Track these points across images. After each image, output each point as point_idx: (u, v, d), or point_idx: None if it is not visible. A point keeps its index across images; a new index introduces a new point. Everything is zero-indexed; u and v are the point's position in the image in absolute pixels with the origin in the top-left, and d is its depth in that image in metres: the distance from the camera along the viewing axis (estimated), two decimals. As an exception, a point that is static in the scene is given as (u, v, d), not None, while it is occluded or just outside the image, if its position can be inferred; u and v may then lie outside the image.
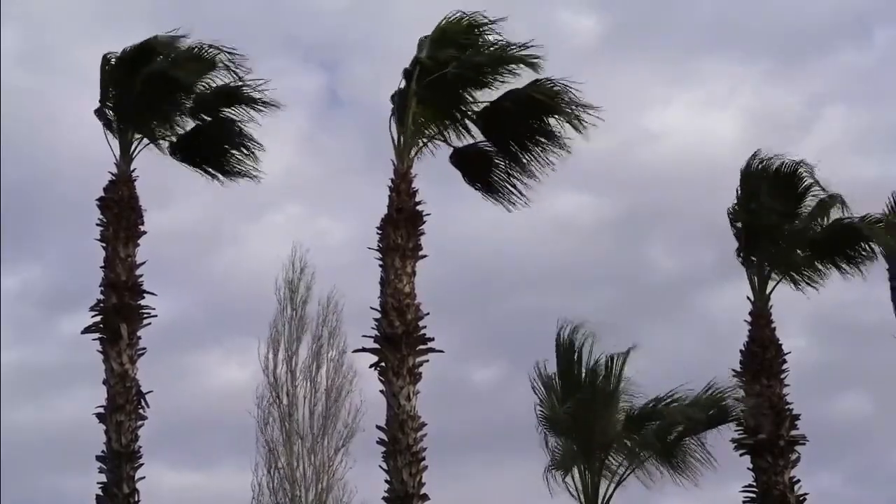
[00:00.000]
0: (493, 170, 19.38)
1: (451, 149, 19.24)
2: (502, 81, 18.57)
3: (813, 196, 19.81)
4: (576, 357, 19.77)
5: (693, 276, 38.03)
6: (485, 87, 18.71)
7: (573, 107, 18.27)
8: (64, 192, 36.32)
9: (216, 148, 19.96)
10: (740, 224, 19.73)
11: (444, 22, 18.47)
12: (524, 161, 19.02)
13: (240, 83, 19.22)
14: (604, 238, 41.37)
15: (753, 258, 19.57)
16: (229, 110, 19.65)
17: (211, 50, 19.14)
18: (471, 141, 19.23)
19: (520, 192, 19.36)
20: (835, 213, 19.64)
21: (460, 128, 19.09)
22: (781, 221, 19.63)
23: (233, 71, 19.19)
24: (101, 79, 19.22)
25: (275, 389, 30.50)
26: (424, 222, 18.16)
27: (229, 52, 19.08)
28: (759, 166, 19.73)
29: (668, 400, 19.53)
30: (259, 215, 41.91)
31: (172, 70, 18.91)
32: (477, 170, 19.40)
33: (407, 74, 18.50)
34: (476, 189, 19.56)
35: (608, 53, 42.92)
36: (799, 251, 19.71)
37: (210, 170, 20.12)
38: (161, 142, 19.69)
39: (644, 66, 44.17)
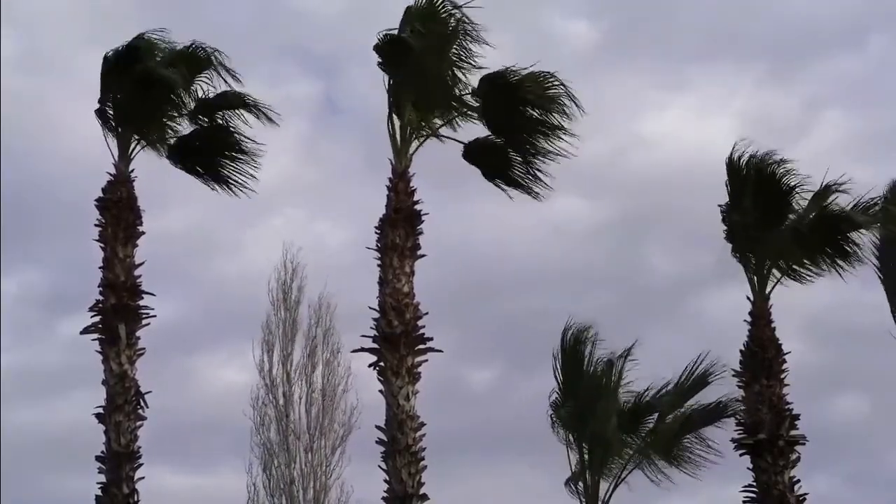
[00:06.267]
0: (512, 162, 19.23)
1: (462, 145, 19.17)
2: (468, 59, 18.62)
3: (802, 193, 19.79)
4: (579, 357, 19.62)
5: (691, 278, 38.08)
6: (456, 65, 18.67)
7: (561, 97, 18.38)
8: (63, 195, 36.38)
9: (212, 155, 19.93)
10: (732, 221, 19.73)
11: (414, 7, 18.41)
12: (529, 151, 19.04)
13: (240, 91, 19.31)
14: (601, 241, 41.49)
15: (750, 255, 19.57)
16: (228, 114, 19.68)
17: (202, 50, 19.17)
18: (467, 130, 19.24)
19: (541, 181, 19.24)
20: (832, 206, 19.61)
21: (457, 119, 19.08)
22: (773, 218, 19.61)
23: (224, 69, 19.25)
24: (102, 78, 19.19)
25: (270, 390, 30.60)
26: (423, 221, 18.19)
27: (218, 53, 19.17)
28: (745, 162, 19.68)
29: (661, 392, 19.48)
30: (258, 219, 42.01)
31: (165, 69, 18.88)
32: (495, 164, 19.28)
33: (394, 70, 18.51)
34: (496, 185, 19.42)
35: (602, 58, 42.99)
36: (794, 246, 19.64)
37: (205, 176, 20.10)
38: (158, 145, 19.69)
39: (639, 71, 44.27)
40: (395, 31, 18.26)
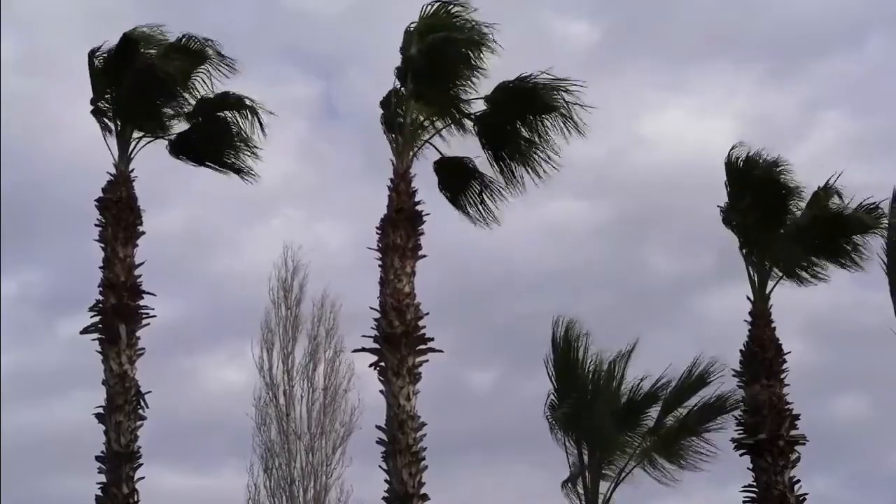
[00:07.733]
0: (468, 186, 19.42)
1: (440, 155, 19.21)
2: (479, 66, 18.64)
3: (801, 194, 19.81)
4: (572, 356, 19.64)
5: (691, 278, 38.14)
6: (470, 70, 18.70)
7: (569, 105, 18.39)
8: (62, 196, 36.36)
9: (215, 145, 19.91)
10: (733, 222, 19.76)
11: (425, 14, 18.43)
12: (520, 161, 19.04)
13: (240, 94, 19.33)
14: (600, 242, 41.55)
15: (752, 256, 19.59)
16: (228, 114, 19.69)
17: (198, 42, 19.14)
18: (468, 138, 19.23)
19: (486, 213, 19.45)
20: (831, 206, 19.63)
21: (457, 124, 19.09)
22: (773, 219, 19.63)
23: (220, 59, 19.26)
24: (91, 76, 19.20)
25: (271, 389, 30.60)
26: (424, 222, 18.19)
27: (212, 43, 19.18)
28: (744, 164, 19.71)
29: (656, 384, 19.49)
30: (258, 219, 42.04)
31: (162, 63, 18.85)
32: (452, 181, 19.42)
33: (400, 72, 18.54)
34: (446, 198, 19.55)
35: (602, 59, 43.01)
36: (794, 247, 19.67)
37: (210, 164, 20.11)
38: (159, 139, 19.67)
39: (639, 71, 44.30)
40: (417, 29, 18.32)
